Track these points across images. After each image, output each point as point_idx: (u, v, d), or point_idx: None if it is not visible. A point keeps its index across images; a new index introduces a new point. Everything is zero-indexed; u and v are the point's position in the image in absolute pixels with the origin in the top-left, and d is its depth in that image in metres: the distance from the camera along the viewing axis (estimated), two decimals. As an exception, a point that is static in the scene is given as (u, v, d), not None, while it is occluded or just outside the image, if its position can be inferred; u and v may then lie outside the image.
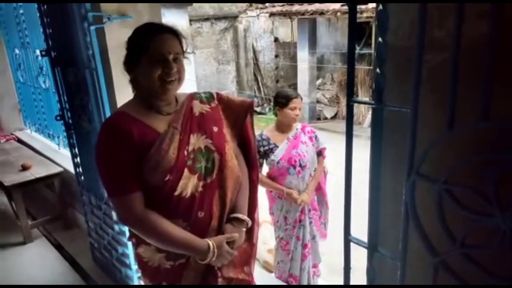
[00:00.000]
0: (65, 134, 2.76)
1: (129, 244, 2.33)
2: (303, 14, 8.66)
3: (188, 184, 1.26)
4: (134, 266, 2.38)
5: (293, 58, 10.88)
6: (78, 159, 2.62)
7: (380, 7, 0.84)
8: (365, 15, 7.86)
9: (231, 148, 1.40)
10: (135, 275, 2.40)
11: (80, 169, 2.65)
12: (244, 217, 1.41)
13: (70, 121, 2.53)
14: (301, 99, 2.56)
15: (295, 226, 2.64)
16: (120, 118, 1.27)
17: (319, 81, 10.86)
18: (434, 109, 0.87)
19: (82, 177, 2.66)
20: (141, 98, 1.31)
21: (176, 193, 1.25)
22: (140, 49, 1.23)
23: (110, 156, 1.24)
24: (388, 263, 1.02)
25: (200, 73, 9.48)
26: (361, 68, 9.25)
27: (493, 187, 0.76)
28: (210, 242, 1.30)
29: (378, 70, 0.88)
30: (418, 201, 0.91)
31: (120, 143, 1.22)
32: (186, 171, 1.26)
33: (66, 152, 3.66)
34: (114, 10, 2.00)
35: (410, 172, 0.88)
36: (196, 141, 1.30)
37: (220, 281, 1.39)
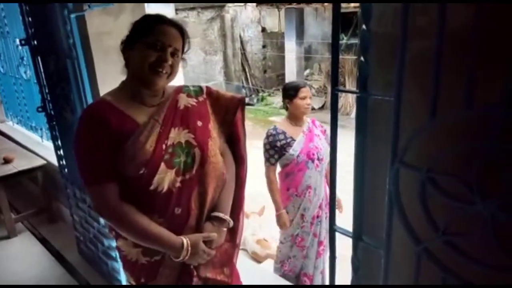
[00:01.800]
0: (47, 126, 2.70)
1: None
2: (290, 3, 8.61)
3: (165, 179, 1.22)
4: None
5: (281, 48, 10.83)
6: (61, 152, 2.57)
7: (364, -7, 0.82)
8: (352, 5, 7.85)
9: (215, 144, 1.35)
10: (122, 268, 2.38)
11: (64, 162, 2.61)
12: (226, 216, 1.37)
13: (52, 112, 2.48)
14: (310, 88, 2.55)
15: (313, 223, 2.56)
16: (100, 106, 1.24)
17: (307, 71, 10.86)
18: (418, 97, 0.86)
19: (66, 170, 2.62)
20: (127, 87, 1.28)
21: (152, 187, 1.21)
22: (141, 31, 1.22)
23: (86, 144, 1.21)
24: (374, 252, 1.02)
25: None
26: (348, 59, 9.26)
27: (476, 175, 0.76)
28: (185, 239, 1.26)
29: (362, 58, 0.87)
30: (402, 189, 0.91)
31: (97, 132, 1.19)
32: (162, 165, 1.22)
33: (49, 144, 3.59)
34: (95, -3, 1.94)
35: (394, 160, 0.88)
36: (177, 135, 1.27)
37: (195, 281, 1.36)
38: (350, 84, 9.32)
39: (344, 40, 9.89)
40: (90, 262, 2.76)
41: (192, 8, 9.71)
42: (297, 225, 2.55)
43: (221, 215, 1.36)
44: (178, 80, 2.32)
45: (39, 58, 2.36)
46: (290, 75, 10.03)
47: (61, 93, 2.25)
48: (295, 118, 2.48)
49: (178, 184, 1.25)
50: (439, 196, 0.83)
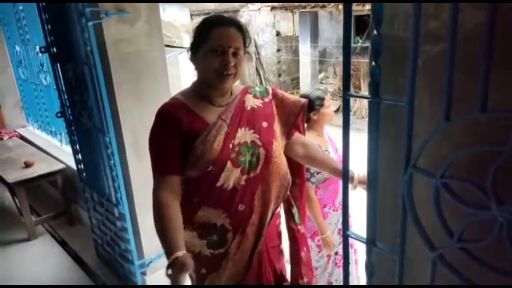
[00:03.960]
0: (66, 130, 2.77)
1: (132, 240, 2.34)
2: (304, 7, 8.60)
3: (231, 177, 1.30)
4: (137, 262, 2.40)
5: (295, 52, 10.82)
6: (80, 156, 2.63)
7: (375, -1, 0.82)
8: (367, 7, 7.78)
9: (279, 144, 1.42)
10: (138, 271, 2.41)
11: (82, 166, 2.66)
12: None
13: (71, 117, 2.54)
14: (326, 92, 2.38)
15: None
16: (174, 104, 1.33)
17: (322, 75, 10.81)
18: (431, 102, 0.85)
19: (84, 174, 2.67)
20: (197, 87, 1.36)
21: (218, 184, 1.29)
22: (201, 38, 1.27)
23: (158, 138, 1.32)
24: (388, 258, 1.01)
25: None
26: (363, 61, 9.18)
27: (491, 180, 0.75)
28: (181, 254, 1.19)
29: (373, 63, 0.87)
30: (415, 195, 0.90)
31: (168, 128, 1.28)
32: (229, 163, 1.29)
33: (68, 149, 3.67)
34: (111, 5, 1.99)
35: (407, 166, 0.87)
36: (243, 135, 1.33)
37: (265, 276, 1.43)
38: (366, 87, 9.23)
39: (359, 42, 9.82)
40: (108, 264, 2.80)
41: (207, 13, 9.80)
42: (336, 242, 2.34)
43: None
44: (162, 84, 2.27)
45: (58, 65, 2.42)
46: (305, 79, 10.00)
47: (79, 99, 2.30)
48: (320, 128, 2.31)
49: (242, 182, 1.33)
50: (454, 202, 0.81)
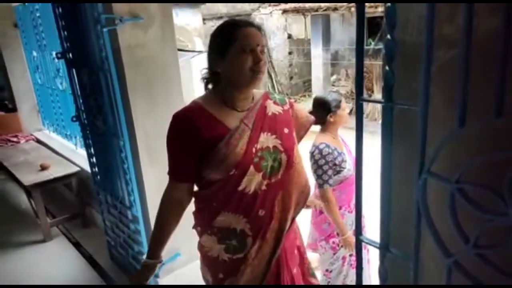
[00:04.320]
0: (81, 134, 2.81)
1: (145, 243, 2.36)
2: (316, 10, 8.59)
3: (252, 181, 1.30)
4: (150, 264, 2.41)
5: (307, 55, 10.80)
6: (94, 159, 2.67)
7: (388, 3, 0.82)
8: (380, 9, 7.74)
9: (298, 151, 1.43)
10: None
11: (96, 169, 2.70)
12: None
13: (86, 121, 2.58)
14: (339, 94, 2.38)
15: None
16: (193, 110, 1.32)
17: (334, 77, 10.76)
18: (445, 107, 0.85)
19: (98, 177, 2.71)
20: (219, 93, 1.34)
21: (240, 188, 1.29)
22: (227, 40, 1.25)
23: (173, 143, 1.33)
24: (402, 263, 1.00)
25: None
26: (377, 64, 9.12)
27: (508, 185, 0.74)
28: (153, 261, 1.41)
29: (387, 67, 0.86)
30: (430, 200, 0.89)
31: (184, 136, 1.29)
32: (252, 167, 1.29)
33: (83, 152, 3.73)
34: (126, 12, 2.02)
35: (421, 171, 0.86)
36: (266, 140, 1.34)
37: (285, 280, 1.44)
38: (379, 90, 9.16)
39: (371, 45, 9.76)
40: (121, 266, 2.83)
41: (220, 17, 9.86)
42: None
43: None
44: (175, 88, 2.30)
45: (74, 70, 2.47)
46: (317, 81, 9.97)
47: (94, 103, 2.34)
48: (335, 131, 2.29)
49: (263, 187, 1.33)
50: (469, 207, 0.80)
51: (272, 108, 1.41)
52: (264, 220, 1.36)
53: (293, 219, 1.45)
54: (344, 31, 10.67)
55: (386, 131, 0.94)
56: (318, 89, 9.87)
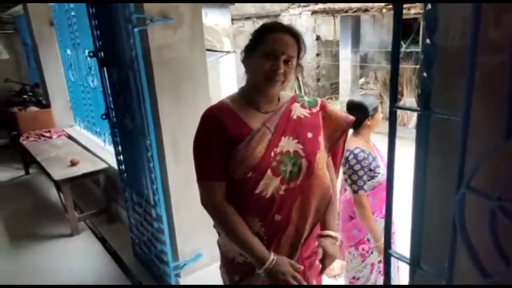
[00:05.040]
0: (110, 132, 2.86)
1: (168, 242, 2.38)
2: (346, 11, 8.46)
3: (270, 185, 1.28)
4: (172, 264, 2.43)
5: (335, 57, 10.66)
6: (121, 157, 2.71)
7: (429, 5, 0.77)
8: (412, 11, 7.54)
9: (323, 157, 1.39)
10: (173, 273, 2.44)
11: (123, 167, 2.74)
12: (336, 234, 1.46)
13: (115, 119, 2.62)
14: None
15: (392, 242, 2.33)
16: (221, 109, 1.33)
17: (362, 80, 10.57)
18: (488, 117, 0.79)
19: (125, 174, 2.75)
20: (245, 92, 1.35)
21: (257, 191, 1.28)
22: (257, 41, 1.27)
23: (203, 143, 1.31)
24: (432, 281, 0.95)
25: (242, 71, 9.50)
26: (407, 67, 8.88)
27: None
28: (273, 256, 1.29)
29: (425, 73, 0.81)
30: (467, 216, 0.83)
31: (214, 133, 1.28)
32: (269, 171, 1.28)
33: (111, 149, 3.80)
34: (156, 12, 2.04)
35: (460, 185, 0.80)
36: (286, 144, 1.32)
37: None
38: (409, 93, 8.92)
39: (403, 47, 9.52)
40: (144, 263, 2.87)
41: (248, 18, 9.88)
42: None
43: (331, 233, 1.45)
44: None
45: (105, 68, 2.52)
46: (344, 84, 9.82)
47: (123, 102, 2.38)
48: (368, 135, 2.23)
49: (281, 192, 1.30)
50: (511, 227, 0.74)
51: (298, 111, 1.38)
52: (280, 225, 1.33)
53: (313, 227, 1.41)
54: (374, 33, 10.46)
55: (421, 141, 0.88)
56: (345, 92, 9.71)
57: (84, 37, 3.85)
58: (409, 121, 8.37)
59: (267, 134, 1.30)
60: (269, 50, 1.24)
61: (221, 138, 1.28)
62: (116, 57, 2.30)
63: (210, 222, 1.42)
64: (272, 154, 1.29)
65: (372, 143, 2.24)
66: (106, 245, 3.33)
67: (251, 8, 10.01)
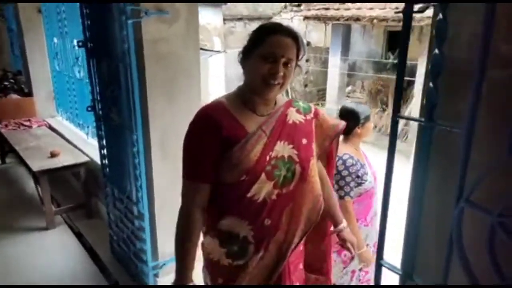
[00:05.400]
0: (94, 124, 2.79)
1: (148, 240, 2.32)
2: (338, 19, 8.52)
3: (263, 189, 1.26)
4: (151, 263, 2.37)
5: (324, 63, 10.73)
6: (105, 151, 2.64)
7: (440, 16, 0.76)
8: (401, 23, 7.63)
9: (315, 164, 1.38)
10: (151, 272, 2.39)
11: (106, 161, 2.67)
12: (345, 223, 1.56)
13: (101, 112, 2.55)
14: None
15: (374, 251, 2.27)
16: (216, 108, 1.29)
17: (349, 88, 10.67)
18: (492, 131, 0.78)
19: (107, 169, 2.68)
20: (242, 93, 1.32)
21: (249, 194, 1.25)
22: (254, 43, 1.24)
23: (196, 141, 1.28)
24: (423, 293, 0.94)
25: (231, 72, 9.48)
26: (394, 78, 9.01)
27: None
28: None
29: (431, 84, 0.80)
30: (465, 231, 0.82)
31: (208, 133, 1.25)
32: (263, 175, 1.25)
33: (94, 142, 3.71)
34: (152, 5, 1.99)
35: (459, 198, 0.80)
36: (281, 148, 1.29)
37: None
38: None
39: (390, 58, 9.66)
40: (121, 261, 2.79)
41: (239, 19, 9.87)
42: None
43: (344, 225, 1.55)
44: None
45: (93, 59, 2.44)
46: (331, 91, 9.89)
47: (111, 95, 2.31)
48: (357, 143, 2.25)
49: (273, 197, 1.28)
50: (510, 243, 0.74)
51: (293, 117, 1.36)
52: (269, 230, 1.31)
53: (304, 235, 1.39)
54: (363, 43, 10.58)
55: (422, 152, 0.88)
56: (332, 98, 9.79)
57: (73, 26, 3.75)
58: (406, 134, 8.47)
59: (262, 137, 1.27)
60: (268, 52, 1.21)
61: (215, 138, 1.25)
62: (107, 49, 2.23)
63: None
64: (267, 158, 1.26)
65: (361, 150, 2.25)
66: (83, 240, 3.24)
67: (243, 9, 10.00)
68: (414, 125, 7.62)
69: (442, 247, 0.87)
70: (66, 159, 3.46)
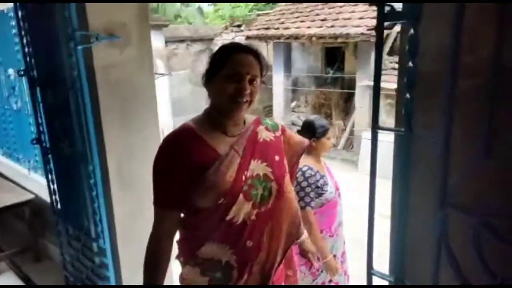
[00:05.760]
0: (37, 158, 2.58)
1: (112, 277, 2.17)
2: (278, 38, 8.80)
3: (241, 210, 1.23)
4: (117, 302, 2.21)
5: (268, 81, 10.99)
6: (55, 186, 2.45)
7: (411, 31, 0.81)
8: (339, 40, 8.09)
9: (289, 180, 1.38)
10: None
11: (57, 197, 2.47)
12: (306, 234, 1.58)
13: (48, 145, 2.38)
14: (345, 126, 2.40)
15: (343, 261, 2.36)
16: (184, 134, 1.27)
17: (294, 103, 10.99)
18: (465, 137, 0.84)
19: (59, 206, 2.48)
20: (209, 116, 1.30)
21: (228, 217, 1.22)
22: (217, 64, 1.23)
23: (162, 169, 1.25)
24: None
25: (175, 94, 9.38)
26: (335, 91, 9.45)
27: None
28: None
29: (407, 95, 0.84)
30: (451, 234, 0.86)
31: (175, 160, 1.22)
32: (241, 196, 1.23)
33: (38, 177, 3.44)
34: (101, 29, 1.91)
35: (443, 203, 0.84)
36: (256, 167, 1.28)
37: None
38: (336, 117, 9.44)
39: (330, 73, 10.13)
40: (80, 304, 2.57)
41: (182, 41, 9.85)
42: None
43: (304, 237, 1.56)
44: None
45: (37, 89, 2.28)
46: (277, 107, 10.12)
47: (60, 125, 2.16)
48: (317, 155, 2.29)
49: (253, 217, 1.26)
50: (496, 241, 0.78)
51: (264, 134, 1.36)
52: (252, 251, 1.29)
53: (285, 252, 1.38)
54: (303, 60, 11.01)
55: (401, 161, 0.91)
56: (279, 114, 10.01)
57: (6, 55, 3.49)
58: (338, 142, 8.83)
59: (236, 158, 1.25)
60: (233, 72, 1.20)
61: (183, 165, 1.21)
62: (53, 77, 2.10)
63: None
64: (243, 178, 1.25)
65: (323, 163, 2.30)
66: (32, 285, 2.95)
67: (185, 30, 10.01)
68: (358, 136, 8.02)
69: (428, 250, 0.90)
70: (6, 199, 3.16)
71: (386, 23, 0.83)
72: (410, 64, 0.82)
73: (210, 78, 1.26)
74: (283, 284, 1.48)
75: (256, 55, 1.27)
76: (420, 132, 0.86)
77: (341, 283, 2.38)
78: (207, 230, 1.26)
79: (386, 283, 1.00)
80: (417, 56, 0.83)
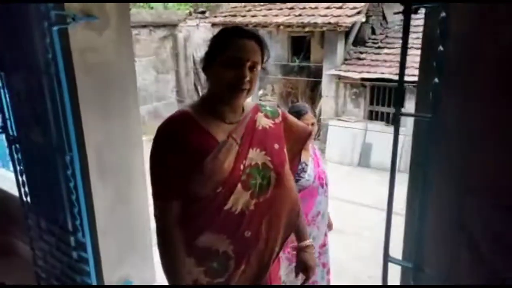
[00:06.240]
0: (7, 149, 2.39)
1: (93, 271, 2.06)
2: (246, 26, 8.70)
3: (239, 200, 1.20)
4: (97, 298, 2.11)
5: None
6: (24, 178, 2.28)
7: (443, 14, 0.80)
8: (306, 29, 8.13)
9: (289, 169, 1.33)
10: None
11: (26, 189, 2.31)
12: (311, 242, 1.46)
13: (15, 133, 2.20)
14: (314, 114, 2.35)
15: (321, 253, 2.35)
16: (181, 120, 1.21)
17: (261, 92, 10.98)
18: (486, 124, 0.84)
19: (28, 199, 2.32)
20: (207, 101, 1.25)
21: (226, 207, 1.19)
22: (218, 49, 1.17)
23: (162, 157, 1.20)
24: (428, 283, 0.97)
25: (139, 83, 9.00)
26: (301, 80, 9.53)
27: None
28: None
29: (436, 79, 0.83)
30: (469, 219, 0.87)
31: (173, 148, 1.17)
32: (239, 185, 1.19)
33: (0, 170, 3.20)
34: (78, 10, 1.77)
35: (464, 188, 0.84)
36: (255, 156, 1.23)
37: None
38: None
39: (296, 62, 10.18)
40: (54, 302, 2.44)
41: (144, 26, 9.48)
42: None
43: (308, 243, 1.44)
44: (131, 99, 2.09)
45: (2, 73, 2.09)
46: (244, 96, 10.09)
47: (31, 112, 2.00)
48: None
49: (251, 207, 1.22)
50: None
51: (263, 122, 1.31)
52: (249, 242, 1.26)
53: (284, 242, 1.36)
54: (271, 48, 10.96)
55: (423, 146, 0.91)
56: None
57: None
58: (317, 133, 8.93)
59: (234, 146, 1.21)
60: (233, 57, 1.15)
61: (181, 153, 1.16)
62: (22, 60, 1.93)
63: (138, 241, 1.28)
64: (241, 167, 1.21)
65: (311, 151, 2.28)
66: (-3, 285, 2.75)
67: (147, 15, 9.63)
68: (324, 124, 8.15)
69: (446, 237, 0.91)
70: (-37, 192, 2.91)
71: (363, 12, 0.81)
72: (441, 48, 0.81)
73: (209, 63, 1.20)
74: (278, 274, 1.47)
75: (258, 40, 1.22)
76: (447, 118, 0.86)
77: (319, 275, 2.40)
78: (205, 220, 1.23)
79: (391, 271, 1.01)
80: (447, 41, 0.82)
